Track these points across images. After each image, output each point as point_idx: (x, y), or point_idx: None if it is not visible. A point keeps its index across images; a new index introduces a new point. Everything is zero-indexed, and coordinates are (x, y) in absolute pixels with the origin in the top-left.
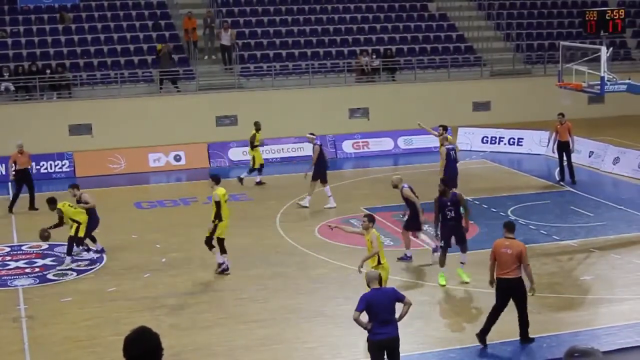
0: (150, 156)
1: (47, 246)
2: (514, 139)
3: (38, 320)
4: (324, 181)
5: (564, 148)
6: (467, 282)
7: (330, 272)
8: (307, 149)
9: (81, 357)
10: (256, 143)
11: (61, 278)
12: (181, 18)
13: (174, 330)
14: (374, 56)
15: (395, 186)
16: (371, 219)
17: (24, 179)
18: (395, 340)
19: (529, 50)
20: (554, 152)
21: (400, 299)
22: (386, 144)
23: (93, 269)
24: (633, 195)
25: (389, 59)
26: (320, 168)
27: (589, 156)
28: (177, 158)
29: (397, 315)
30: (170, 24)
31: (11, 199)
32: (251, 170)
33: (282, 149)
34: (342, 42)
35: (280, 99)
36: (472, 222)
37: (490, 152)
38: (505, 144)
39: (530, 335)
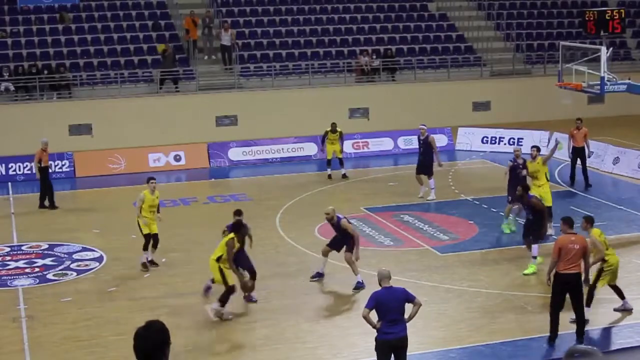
0: (150, 156)
1: (47, 246)
2: (514, 139)
3: (38, 320)
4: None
5: (578, 154)
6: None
7: (330, 271)
8: (307, 149)
9: (81, 357)
10: (328, 141)
11: (61, 278)
12: (181, 18)
13: (175, 330)
14: (374, 56)
15: (331, 219)
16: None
17: (47, 177)
18: (404, 340)
19: (529, 50)
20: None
21: (411, 299)
22: (386, 144)
23: (93, 269)
24: (633, 195)
25: (389, 59)
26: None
27: (589, 156)
28: (177, 158)
29: (406, 316)
30: (170, 24)
31: (40, 196)
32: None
33: (282, 149)
34: (342, 42)
35: (280, 99)
36: (471, 222)
37: (490, 152)
38: (505, 144)
39: (531, 335)
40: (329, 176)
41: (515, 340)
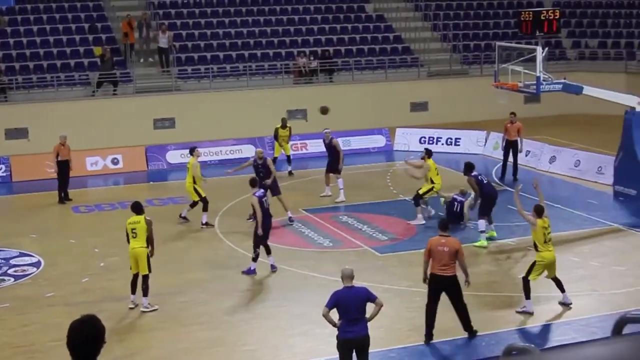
0: (88, 160)
1: None
2: (451, 139)
3: None
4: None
5: (511, 147)
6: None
7: (270, 274)
8: (246, 151)
9: None
10: (279, 138)
11: None
12: (118, 20)
13: (114, 335)
14: (312, 57)
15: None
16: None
17: (65, 171)
18: (365, 339)
19: (466, 50)
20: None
21: (372, 299)
22: (324, 145)
23: (31, 274)
24: (569, 194)
25: (327, 60)
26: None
27: (526, 155)
28: (115, 161)
29: (367, 315)
30: (107, 27)
31: (58, 190)
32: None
33: (221, 151)
34: (280, 43)
35: (218, 101)
36: (409, 222)
37: None
38: (443, 144)
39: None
40: (290, 172)
41: (454, 339)
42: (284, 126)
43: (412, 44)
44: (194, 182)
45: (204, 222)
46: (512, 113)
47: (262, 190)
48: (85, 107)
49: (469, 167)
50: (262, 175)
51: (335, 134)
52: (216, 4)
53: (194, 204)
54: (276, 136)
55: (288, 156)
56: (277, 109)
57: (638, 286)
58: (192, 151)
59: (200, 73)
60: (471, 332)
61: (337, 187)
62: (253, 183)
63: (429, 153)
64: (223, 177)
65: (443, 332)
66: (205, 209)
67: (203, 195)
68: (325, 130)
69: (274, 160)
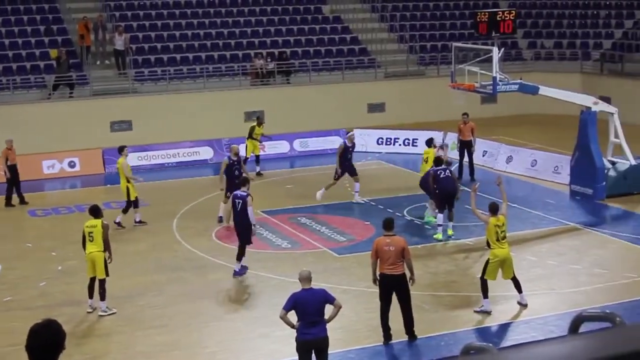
0: (44, 163)
1: None
2: (408, 139)
3: None
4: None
5: (465, 147)
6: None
7: (228, 275)
8: (203, 153)
9: None
10: (254, 135)
11: None
12: (74, 22)
13: (73, 339)
14: (269, 59)
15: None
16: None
17: (16, 175)
18: (323, 341)
19: (422, 51)
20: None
21: (330, 301)
22: (282, 147)
23: None
24: (526, 193)
25: (284, 61)
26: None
27: (483, 155)
28: (72, 164)
29: (326, 317)
30: (62, 29)
31: (6, 193)
32: (245, 159)
33: (178, 153)
34: (237, 45)
35: (175, 104)
36: (367, 222)
37: (386, 153)
38: (400, 144)
39: (429, 334)
40: (258, 173)
41: (417, 338)
42: (260, 124)
43: (369, 45)
44: (128, 182)
45: (117, 220)
46: (465, 113)
47: (242, 192)
48: (41, 110)
49: (429, 141)
50: (238, 173)
51: (293, 135)
52: (172, 5)
53: (127, 209)
54: (251, 134)
55: (257, 156)
56: (235, 111)
57: (594, 285)
58: (120, 150)
59: (157, 75)
60: (412, 335)
61: (354, 189)
62: (243, 182)
63: (428, 143)
64: (178, 179)
65: (402, 332)
66: (135, 206)
67: (133, 198)
68: (350, 134)
69: (245, 160)
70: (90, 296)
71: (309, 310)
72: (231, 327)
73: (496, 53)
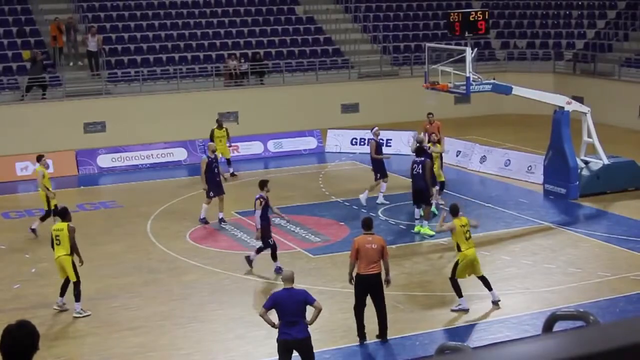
0: (18, 165)
1: None
2: (382, 140)
3: None
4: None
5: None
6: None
7: (203, 277)
8: (177, 154)
9: None
10: (215, 139)
11: None
12: (46, 24)
13: (46, 341)
14: (242, 60)
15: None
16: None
17: None
18: (303, 342)
19: (396, 52)
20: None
21: (310, 302)
22: (256, 148)
23: None
24: (500, 193)
25: (257, 62)
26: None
27: (457, 155)
28: (45, 166)
29: (308, 320)
30: (35, 30)
31: None
32: None
33: (152, 154)
34: (210, 46)
35: (148, 105)
36: (342, 223)
37: (360, 153)
38: None
39: (404, 334)
40: (232, 174)
41: (389, 339)
42: (220, 127)
43: (342, 46)
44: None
45: (33, 226)
46: (430, 113)
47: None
48: (14, 112)
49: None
50: (217, 171)
51: (267, 136)
52: (145, 7)
53: (45, 217)
54: (212, 137)
55: (228, 159)
56: (208, 112)
57: (568, 284)
58: (38, 159)
59: (130, 76)
60: (384, 337)
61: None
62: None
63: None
64: (152, 181)
65: (375, 333)
66: (43, 220)
67: (51, 208)
68: (376, 129)
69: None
70: (62, 294)
71: (288, 310)
72: (207, 328)
73: (469, 53)
